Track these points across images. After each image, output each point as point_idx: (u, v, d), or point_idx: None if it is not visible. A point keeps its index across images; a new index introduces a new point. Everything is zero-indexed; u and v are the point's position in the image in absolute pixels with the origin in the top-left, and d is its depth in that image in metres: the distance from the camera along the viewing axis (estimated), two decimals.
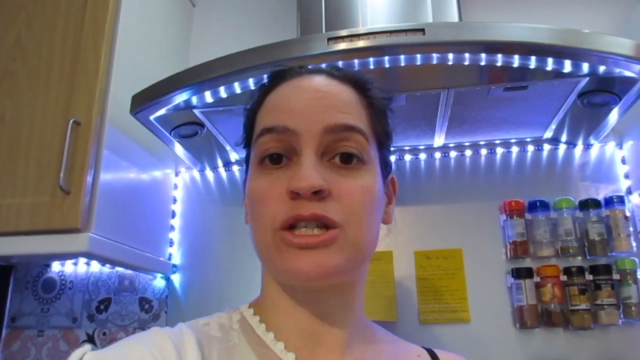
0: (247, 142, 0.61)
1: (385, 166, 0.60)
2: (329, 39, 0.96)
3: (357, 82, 0.59)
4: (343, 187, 0.50)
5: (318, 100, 0.53)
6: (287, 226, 0.49)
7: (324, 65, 0.63)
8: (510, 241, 1.26)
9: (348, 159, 0.52)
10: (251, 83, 1.05)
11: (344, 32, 0.98)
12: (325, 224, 0.49)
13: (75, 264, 1.42)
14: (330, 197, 0.49)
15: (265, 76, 0.63)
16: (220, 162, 1.46)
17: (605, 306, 1.16)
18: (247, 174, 0.60)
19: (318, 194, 0.49)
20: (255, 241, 0.53)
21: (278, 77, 0.59)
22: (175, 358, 0.46)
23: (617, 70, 0.98)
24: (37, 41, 1.20)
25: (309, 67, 0.60)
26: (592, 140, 1.31)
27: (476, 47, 0.95)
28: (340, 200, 0.50)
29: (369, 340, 0.59)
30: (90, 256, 1.10)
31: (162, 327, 0.52)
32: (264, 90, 0.59)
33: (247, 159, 0.61)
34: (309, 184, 0.48)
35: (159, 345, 0.47)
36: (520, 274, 1.23)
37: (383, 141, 0.59)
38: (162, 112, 1.13)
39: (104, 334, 1.37)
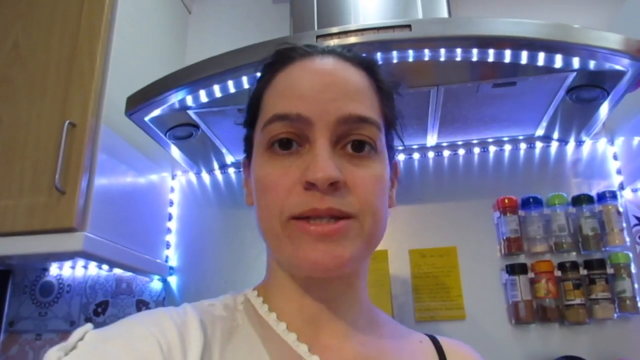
0: (251, 122, 0.58)
1: (390, 150, 0.59)
2: (318, 36, 0.98)
3: (368, 65, 0.57)
4: (357, 177, 0.49)
5: (331, 86, 0.51)
6: (301, 217, 0.48)
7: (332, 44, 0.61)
8: (504, 238, 1.27)
9: (360, 147, 0.51)
10: (245, 82, 1.07)
11: (332, 30, 1.00)
12: (339, 216, 0.48)
13: (73, 267, 1.43)
14: (345, 187, 0.49)
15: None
16: (216, 165, 1.47)
17: (600, 300, 1.16)
18: (248, 157, 0.59)
19: (333, 185, 0.47)
20: (262, 228, 0.52)
21: (286, 57, 0.56)
22: (177, 338, 0.46)
23: (607, 64, 0.99)
24: (34, 47, 1.23)
25: (319, 47, 0.57)
26: (583, 137, 1.31)
27: (462, 42, 0.96)
28: (355, 191, 0.49)
29: (372, 325, 0.59)
30: (85, 256, 1.11)
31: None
32: (272, 69, 0.56)
33: (248, 139, 0.59)
34: (326, 175, 0.46)
35: (161, 324, 0.47)
36: (514, 270, 1.23)
37: (390, 125, 0.58)
38: (156, 113, 1.14)
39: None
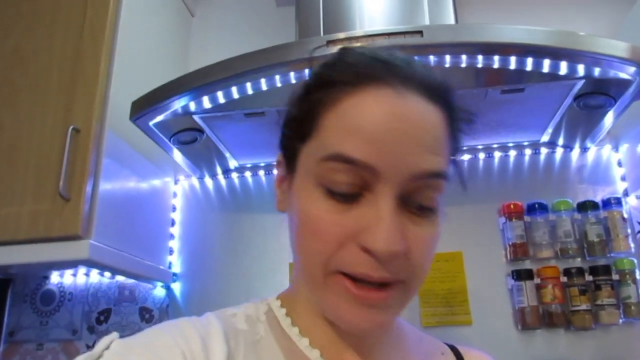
0: (300, 133, 0.49)
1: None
2: (329, 42, 0.97)
3: (445, 96, 0.48)
4: (418, 240, 0.45)
5: (408, 135, 0.44)
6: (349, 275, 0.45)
7: (414, 59, 0.49)
8: (510, 243, 1.27)
9: (424, 207, 0.46)
10: (249, 88, 1.06)
11: (342, 35, 1.00)
12: (388, 282, 0.45)
13: (74, 274, 1.41)
14: (403, 254, 0.44)
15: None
16: (219, 170, 1.46)
17: (606, 306, 1.17)
18: (288, 161, 0.52)
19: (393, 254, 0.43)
20: (302, 267, 0.49)
21: (359, 75, 0.46)
22: (200, 349, 0.46)
23: (612, 72, 0.99)
24: (36, 49, 1.21)
25: (399, 70, 0.46)
26: (588, 144, 1.32)
27: (474, 48, 0.96)
28: (412, 255, 0.45)
29: (397, 339, 0.58)
30: (90, 264, 1.10)
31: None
32: (340, 85, 0.46)
33: (291, 146, 0.51)
34: (390, 250, 0.42)
35: (185, 334, 0.47)
36: (520, 275, 1.23)
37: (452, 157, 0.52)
38: (161, 117, 1.13)
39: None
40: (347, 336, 0.52)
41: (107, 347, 0.45)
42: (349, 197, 0.44)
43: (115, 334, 0.46)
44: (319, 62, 0.52)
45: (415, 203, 0.45)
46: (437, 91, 0.48)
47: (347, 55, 0.49)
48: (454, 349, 0.63)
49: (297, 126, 0.50)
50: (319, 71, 0.50)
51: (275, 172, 0.56)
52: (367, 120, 0.44)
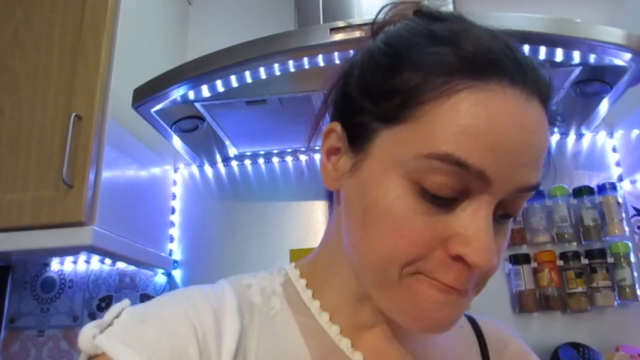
0: (382, 113, 0.42)
1: None
2: (332, 29, 0.98)
3: (550, 110, 0.44)
4: (499, 249, 0.42)
5: (531, 150, 0.40)
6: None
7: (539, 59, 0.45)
8: None
9: (509, 215, 0.43)
10: (248, 76, 1.06)
11: (343, 23, 1.00)
12: None
13: (75, 262, 1.41)
14: None
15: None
16: (219, 158, 1.46)
17: (601, 289, 1.20)
18: (352, 134, 0.46)
19: None
20: (366, 259, 0.44)
21: (493, 69, 0.39)
22: (212, 323, 0.44)
23: (608, 59, 1.01)
24: (36, 36, 1.21)
25: (528, 72, 0.41)
26: (584, 130, 1.34)
27: None
28: None
29: None
30: (94, 250, 1.10)
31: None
32: (462, 72, 0.39)
33: (358, 113, 0.45)
34: (490, 265, 0.39)
35: (198, 307, 0.45)
36: (518, 260, 1.25)
37: None
38: (163, 105, 1.13)
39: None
40: (372, 315, 0.50)
41: (118, 316, 0.43)
42: (445, 201, 0.40)
43: (127, 301, 0.45)
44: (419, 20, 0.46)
45: (503, 212, 0.42)
46: (550, 98, 0.43)
47: (467, 36, 0.41)
48: (472, 321, 0.60)
49: (383, 103, 0.42)
50: (428, 44, 0.42)
51: (323, 142, 0.49)
52: (491, 124, 0.38)
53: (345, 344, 0.48)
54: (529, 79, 0.40)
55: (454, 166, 0.38)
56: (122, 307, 0.44)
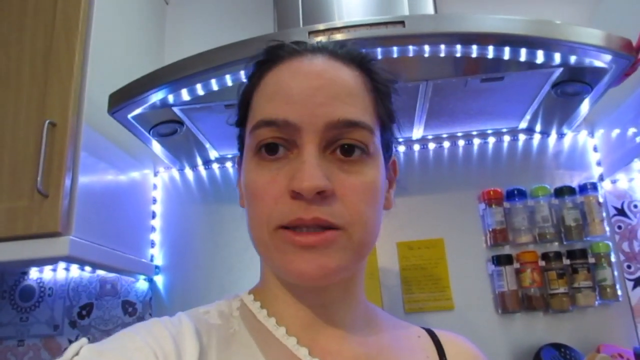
0: (242, 121, 0.57)
1: (387, 149, 0.57)
2: (310, 32, 0.96)
3: (362, 62, 0.54)
4: (347, 186, 0.48)
5: (320, 89, 0.49)
6: (288, 226, 0.47)
7: (323, 40, 0.58)
8: (490, 229, 1.29)
9: (350, 151, 0.49)
10: (228, 80, 1.04)
11: (322, 26, 0.99)
12: (326, 226, 0.47)
13: (54, 270, 1.38)
14: (333, 196, 0.47)
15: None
16: (199, 161, 1.44)
17: (582, 289, 1.20)
18: (241, 155, 0.57)
19: (321, 194, 0.46)
20: (252, 237, 0.52)
21: (275, 55, 0.54)
22: (172, 348, 0.46)
23: (588, 60, 1.01)
24: (5, 40, 1.17)
25: (309, 44, 0.55)
26: (565, 130, 1.35)
27: (455, 38, 0.96)
28: (344, 200, 0.48)
29: (371, 324, 0.59)
30: (71, 260, 1.08)
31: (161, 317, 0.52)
32: (261, 68, 0.55)
33: (240, 138, 0.58)
34: (312, 185, 0.45)
35: (157, 335, 0.47)
36: (500, 260, 1.26)
37: (386, 124, 0.56)
38: (140, 110, 1.11)
39: (88, 340, 1.34)
40: (321, 317, 0.54)
41: (77, 353, 0.44)
42: (280, 157, 0.49)
43: (84, 340, 0.46)
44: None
45: (340, 150, 0.49)
46: (350, 56, 0.54)
47: (270, 46, 0.56)
48: (430, 332, 0.64)
49: (239, 116, 0.57)
50: (249, 69, 0.57)
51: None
52: (282, 84, 0.51)
53: (302, 352, 0.51)
54: (312, 50, 0.53)
55: (269, 126, 0.49)
56: (80, 345, 0.45)
